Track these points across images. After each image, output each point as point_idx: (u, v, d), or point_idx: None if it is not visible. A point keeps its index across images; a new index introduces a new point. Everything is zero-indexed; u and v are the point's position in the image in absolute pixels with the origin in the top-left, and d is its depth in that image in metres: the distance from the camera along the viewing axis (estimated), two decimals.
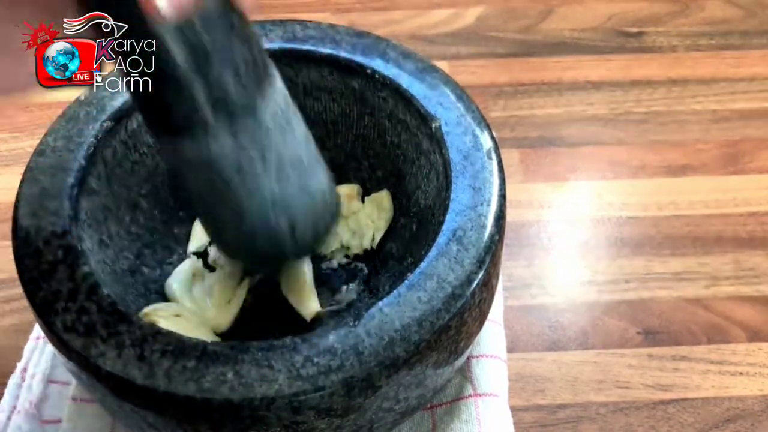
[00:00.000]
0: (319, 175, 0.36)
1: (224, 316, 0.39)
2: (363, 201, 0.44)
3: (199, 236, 0.42)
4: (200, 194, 0.35)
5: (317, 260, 0.42)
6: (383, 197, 0.42)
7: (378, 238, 0.42)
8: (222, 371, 0.28)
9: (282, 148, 0.33)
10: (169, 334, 0.30)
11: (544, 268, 0.50)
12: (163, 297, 0.40)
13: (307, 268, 0.41)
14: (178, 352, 0.29)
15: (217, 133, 0.31)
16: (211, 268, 0.41)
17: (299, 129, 0.35)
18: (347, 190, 0.43)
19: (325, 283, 0.42)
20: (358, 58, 0.40)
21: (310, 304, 0.40)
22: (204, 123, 0.30)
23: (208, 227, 0.38)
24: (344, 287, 0.41)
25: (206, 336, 0.37)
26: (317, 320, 0.39)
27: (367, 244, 0.42)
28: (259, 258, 0.38)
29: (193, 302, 0.39)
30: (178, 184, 0.35)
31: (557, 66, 0.62)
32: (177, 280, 0.40)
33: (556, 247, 0.51)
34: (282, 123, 0.33)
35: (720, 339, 0.46)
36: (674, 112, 0.59)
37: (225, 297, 0.40)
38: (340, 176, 0.43)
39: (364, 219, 0.42)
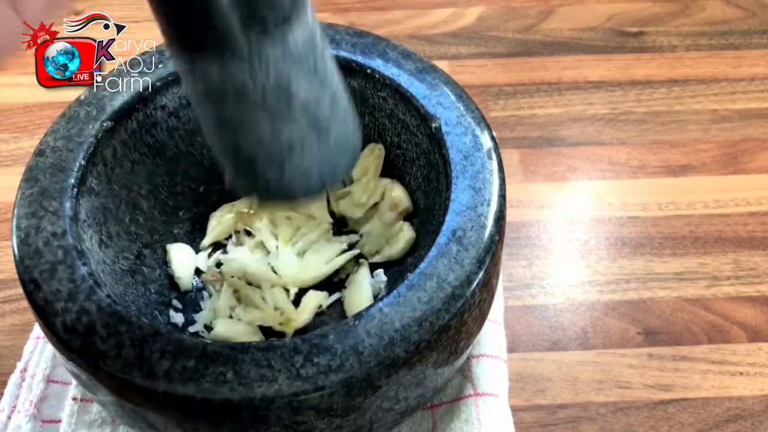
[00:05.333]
0: (339, 121, 0.33)
1: None
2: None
3: (214, 233, 0.43)
4: (210, 118, 0.32)
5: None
6: (407, 235, 0.41)
7: (375, 258, 0.42)
8: (222, 371, 0.28)
9: (302, 84, 0.31)
10: (169, 334, 0.30)
11: (544, 268, 0.50)
12: (163, 296, 0.40)
13: (367, 283, 0.41)
14: (177, 352, 0.29)
15: (242, 56, 0.29)
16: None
17: (326, 67, 0.32)
18: (398, 199, 0.42)
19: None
20: (358, 58, 0.40)
21: None
22: (230, 41, 0.28)
23: (216, 153, 0.35)
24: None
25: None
26: None
27: (366, 252, 0.42)
28: (264, 191, 0.35)
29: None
30: (196, 111, 0.33)
31: (557, 66, 0.62)
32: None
33: (556, 247, 0.51)
34: (308, 58, 0.30)
35: (720, 339, 0.46)
36: (674, 112, 0.59)
37: None
38: None
39: (384, 236, 0.42)
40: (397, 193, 0.42)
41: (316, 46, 0.31)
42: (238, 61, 0.29)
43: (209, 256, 0.43)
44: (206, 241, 0.43)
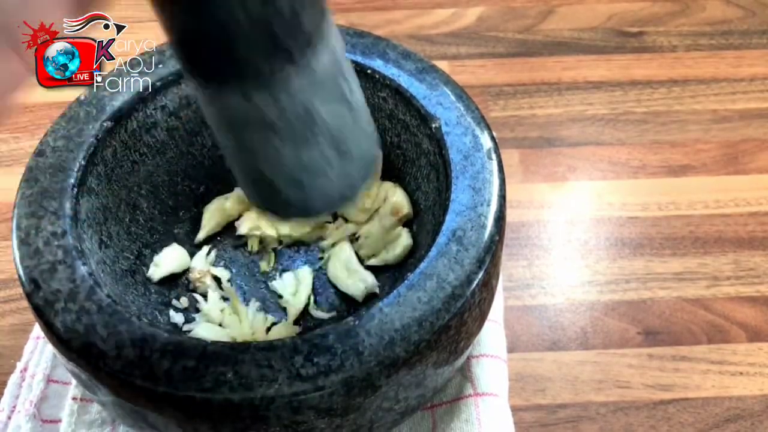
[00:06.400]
0: (359, 136, 0.33)
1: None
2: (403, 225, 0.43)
3: (208, 227, 0.43)
4: (230, 145, 0.32)
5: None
6: (405, 242, 0.41)
7: (372, 261, 0.42)
8: (222, 371, 0.28)
9: (326, 108, 0.30)
10: (169, 334, 0.30)
11: (544, 268, 0.50)
12: (163, 296, 0.40)
13: (349, 250, 0.41)
14: (177, 352, 0.29)
15: (266, 87, 0.28)
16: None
17: (349, 84, 0.31)
18: (399, 204, 0.42)
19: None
20: (358, 58, 0.40)
21: (365, 279, 0.40)
22: (254, 73, 0.27)
23: (235, 172, 0.34)
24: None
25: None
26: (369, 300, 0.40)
27: (362, 254, 0.42)
28: (284, 209, 0.35)
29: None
30: (215, 136, 0.32)
31: (557, 66, 0.62)
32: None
33: (556, 247, 0.51)
34: (332, 80, 0.30)
35: (720, 339, 0.46)
36: (674, 112, 0.59)
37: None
38: None
39: (382, 240, 0.42)
40: (399, 198, 0.42)
41: (340, 65, 0.30)
42: (262, 92, 0.28)
43: (208, 253, 0.43)
44: (200, 235, 0.43)
